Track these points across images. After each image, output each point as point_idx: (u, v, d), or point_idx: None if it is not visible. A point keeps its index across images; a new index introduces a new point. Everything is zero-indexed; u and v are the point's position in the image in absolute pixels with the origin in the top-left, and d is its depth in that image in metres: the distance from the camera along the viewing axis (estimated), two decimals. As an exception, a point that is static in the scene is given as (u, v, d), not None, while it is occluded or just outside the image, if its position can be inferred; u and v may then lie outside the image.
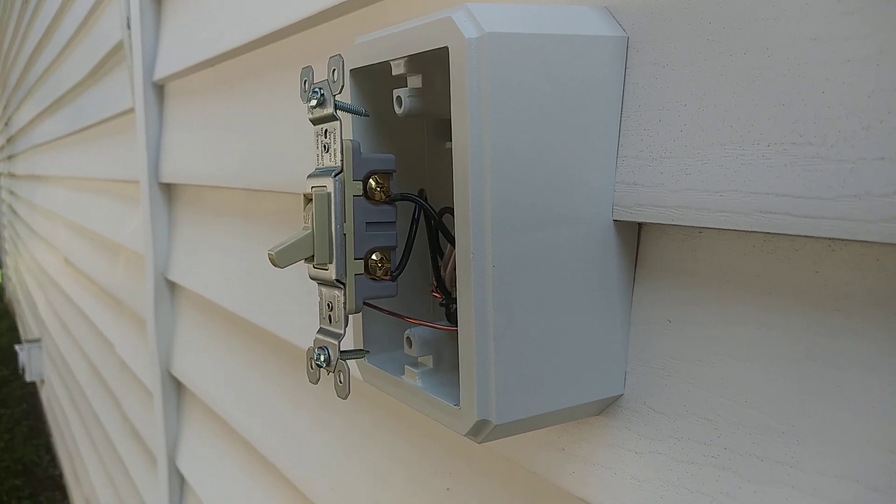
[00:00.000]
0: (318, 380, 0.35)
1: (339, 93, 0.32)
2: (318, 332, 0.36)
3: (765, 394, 0.30)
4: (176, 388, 1.13)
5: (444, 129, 0.41)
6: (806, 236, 0.28)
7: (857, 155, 0.25)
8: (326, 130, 0.34)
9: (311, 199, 0.33)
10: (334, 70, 0.32)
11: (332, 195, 0.33)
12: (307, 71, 0.34)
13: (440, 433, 0.52)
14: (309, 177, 0.35)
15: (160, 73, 1.03)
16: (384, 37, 0.35)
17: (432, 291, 0.40)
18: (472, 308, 0.32)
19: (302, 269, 0.60)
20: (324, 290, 0.35)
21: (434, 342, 0.38)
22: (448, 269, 0.38)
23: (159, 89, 1.08)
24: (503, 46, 0.30)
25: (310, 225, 0.33)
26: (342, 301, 0.34)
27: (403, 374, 0.38)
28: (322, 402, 0.69)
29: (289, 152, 0.67)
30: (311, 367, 0.36)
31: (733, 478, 0.32)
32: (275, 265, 0.33)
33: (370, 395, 0.61)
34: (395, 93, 0.35)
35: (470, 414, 0.33)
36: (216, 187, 0.91)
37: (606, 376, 0.36)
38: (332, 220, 0.33)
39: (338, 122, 0.33)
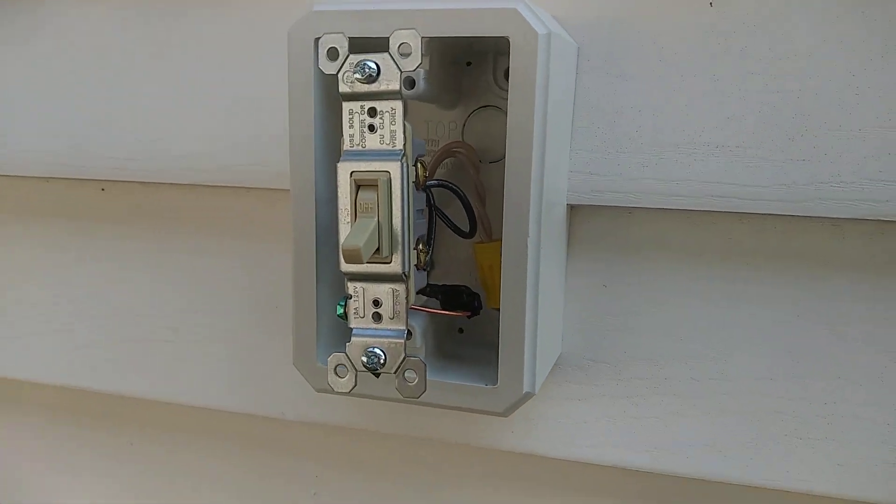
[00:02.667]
0: (353, 388, 0.32)
1: (414, 70, 0.30)
2: (354, 334, 0.32)
3: (696, 331, 0.41)
4: None
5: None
6: (745, 213, 0.39)
7: (786, 157, 0.37)
8: (374, 109, 0.31)
9: (370, 186, 0.31)
10: (402, 44, 0.30)
11: (403, 181, 0.31)
12: (333, 38, 0.31)
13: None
14: (344, 160, 0.31)
15: None
16: (412, 10, 0.33)
17: None
18: (524, 288, 0.34)
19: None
20: (364, 286, 0.32)
21: (424, 331, 0.38)
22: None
23: None
24: (552, 43, 0.33)
25: (373, 213, 0.31)
26: (403, 296, 0.32)
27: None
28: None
29: None
30: (341, 376, 0.32)
31: (675, 399, 0.42)
32: (357, 261, 0.29)
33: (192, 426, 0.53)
34: (406, 74, 0.34)
35: (513, 390, 0.35)
36: None
37: (555, 340, 0.42)
38: (404, 208, 0.31)
39: (399, 102, 0.31)
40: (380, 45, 0.34)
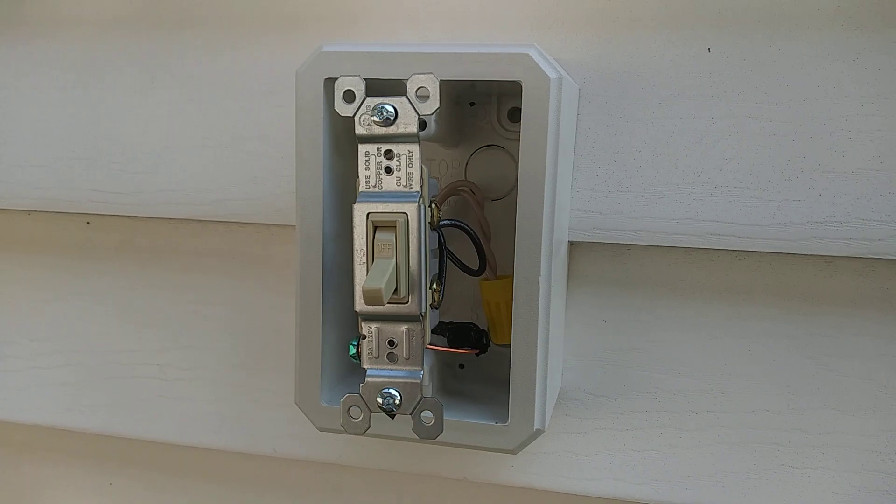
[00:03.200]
0: (368, 429, 0.32)
1: (433, 114, 0.31)
2: (368, 374, 0.32)
3: (694, 365, 0.42)
4: None
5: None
6: (743, 250, 0.40)
7: (783, 197, 0.39)
8: (390, 151, 0.31)
9: (387, 227, 0.31)
10: (420, 88, 0.31)
11: (421, 222, 0.31)
12: (350, 80, 0.31)
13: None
14: (361, 202, 0.31)
15: None
16: (425, 54, 0.34)
17: None
18: (536, 326, 0.34)
19: None
20: (379, 326, 0.32)
21: (431, 368, 0.38)
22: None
23: None
24: (562, 87, 0.34)
25: (391, 255, 0.30)
26: (419, 336, 0.32)
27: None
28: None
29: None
30: (354, 417, 0.32)
31: (674, 431, 0.42)
32: (378, 303, 0.29)
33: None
34: (423, 117, 0.35)
35: (523, 428, 0.35)
36: None
37: (558, 375, 0.42)
38: (421, 248, 0.31)
39: (416, 145, 0.31)
40: (388, 86, 0.34)
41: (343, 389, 0.39)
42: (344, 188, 0.39)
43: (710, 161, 0.39)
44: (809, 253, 0.39)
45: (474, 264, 0.37)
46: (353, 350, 0.33)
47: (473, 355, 0.38)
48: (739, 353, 0.41)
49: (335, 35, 0.43)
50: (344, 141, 0.39)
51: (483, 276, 0.39)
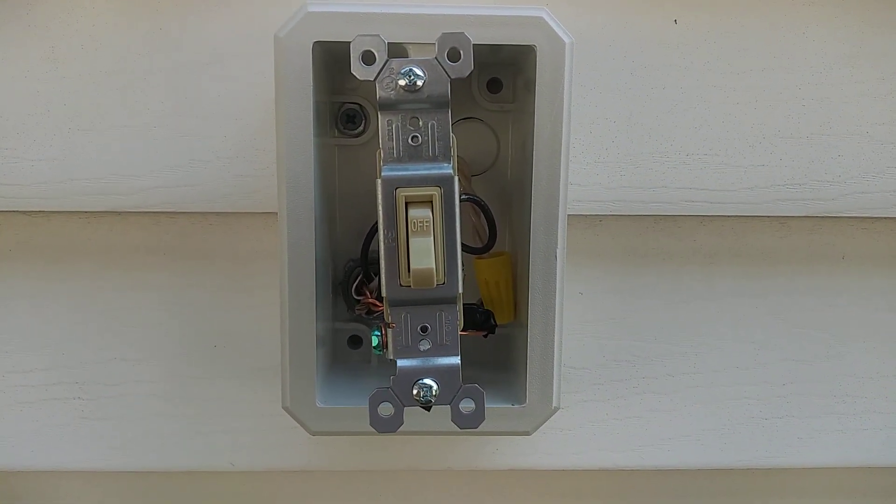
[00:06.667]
0: (401, 425, 0.29)
1: (465, 77, 0.28)
2: (400, 366, 0.29)
3: (668, 330, 0.43)
4: None
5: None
6: (714, 216, 0.41)
7: (748, 163, 0.41)
8: (416, 119, 0.28)
9: (421, 203, 0.28)
10: (451, 49, 0.28)
11: (457, 197, 0.28)
12: (370, 40, 0.28)
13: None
14: (388, 175, 0.28)
15: None
16: (427, 15, 0.31)
17: (366, 301, 0.36)
18: (554, 301, 0.33)
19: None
20: (409, 312, 0.29)
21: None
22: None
23: None
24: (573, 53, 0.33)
25: (428, 233, 0.28)
26: (454, 318, 0.29)
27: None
28: None
29: None
30: (384, 414, 0.29)
31: (654, 396, 0.43)
32: (429, 284, 0.26)
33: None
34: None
35: (543, 407, 0.34)
36: None
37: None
38: (457, 225, 0.28)
39: (446, 112, 0.28)
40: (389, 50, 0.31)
41: (331, 390, 0.35)
42: (324, 167, 0.36)
43: (682, 130, 0.40)
44: (773, 215, 0.41)
45: (468, 241, 0.35)
46: (376, 341, 0.30)
47: (483, 338, 0.36)
48: (708, 315, 0.43)
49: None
50: (324, 113, 0.35)
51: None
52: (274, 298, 0.42)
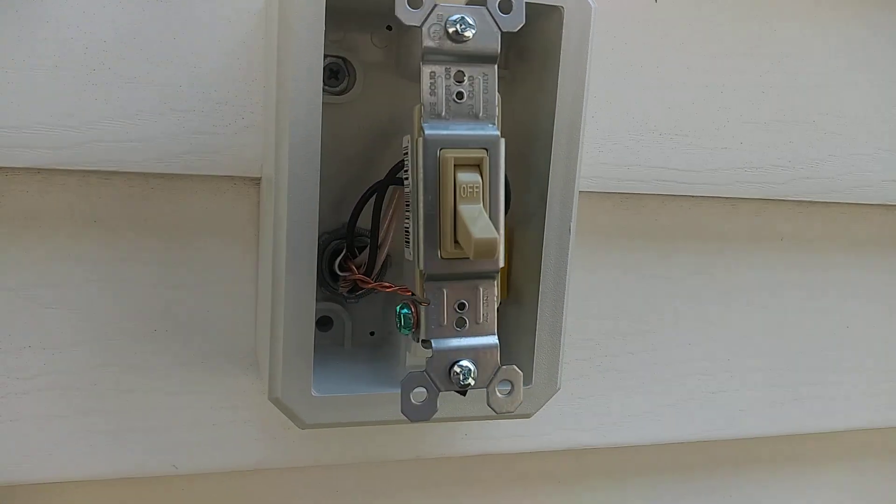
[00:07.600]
0: (435, 413, 0.27)
1: (516, 30, 0.26)
2: (435, 347, 0.27)
3: (629, 308, 0.44)
4: None
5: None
6: (677, 195, 0.42)
7: (714, 145, 0.42)
8: (461, 73, 0.26)
9: (471, 166, 0.25)
10: (501, 1, 0.26)
11: (503, 160, 0.26)
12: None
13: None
14: (432, 134, 0.25)
15: None
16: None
17: (352, 277, 0.33)
18: (565, 276, 0.32)
19: None
20: (447, 288, 0.26)
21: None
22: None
23: None
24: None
25: (478, 199, 0.25)
26: (493, 294, 0.27)
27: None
28: None
29: None
30: (417, 400, 0.27)
31: (615, 374, 0.44)
32: (492, 255, 0.24)
33: None
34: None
35: (547, 388, 0.33)
36: None
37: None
38: (503, 191, 0.26)
39: (493, 67, 0.26)
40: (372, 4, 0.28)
41: (321, 376, 0.32)
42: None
43: (657, 109, 0.41)
44: (734, 196, 0.43)
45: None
46: (405, 320, 0.27)
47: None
48: (666, 293, 0.44)
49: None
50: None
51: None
52: (226, 275, 0.37)
